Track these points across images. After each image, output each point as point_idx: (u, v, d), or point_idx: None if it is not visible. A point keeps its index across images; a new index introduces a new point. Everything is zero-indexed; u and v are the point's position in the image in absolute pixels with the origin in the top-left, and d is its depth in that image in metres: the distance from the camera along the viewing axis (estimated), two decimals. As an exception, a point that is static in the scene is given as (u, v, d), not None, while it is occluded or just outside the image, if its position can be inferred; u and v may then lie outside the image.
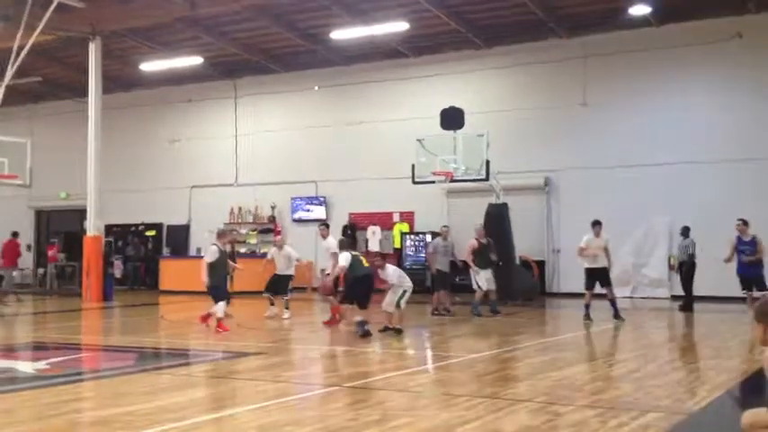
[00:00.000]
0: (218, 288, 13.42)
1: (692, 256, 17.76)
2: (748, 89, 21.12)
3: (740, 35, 20.93)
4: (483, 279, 16.42)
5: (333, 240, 14.92)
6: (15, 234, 22.18)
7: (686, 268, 17.85)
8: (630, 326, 15.32)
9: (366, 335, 12.20)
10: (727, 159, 20.91)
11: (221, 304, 13.28)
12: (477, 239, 16.63)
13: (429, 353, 11.89)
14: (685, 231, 18.05)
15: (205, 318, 13.82)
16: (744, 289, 15.72)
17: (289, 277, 16.19)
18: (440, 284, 16.94)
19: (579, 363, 10.49)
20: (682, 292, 18.27)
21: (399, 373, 9.64)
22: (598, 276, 15.24)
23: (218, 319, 13.20)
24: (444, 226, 18.06)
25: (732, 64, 21.28)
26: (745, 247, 15.71)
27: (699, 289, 18.21)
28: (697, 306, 17.81)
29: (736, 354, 10.92)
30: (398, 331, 12.87)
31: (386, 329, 12.92)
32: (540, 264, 22.89)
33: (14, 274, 21.79)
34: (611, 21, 21.87)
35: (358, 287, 12.61)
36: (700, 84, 21.90)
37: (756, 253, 15.55)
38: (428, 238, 24.16)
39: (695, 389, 8.19)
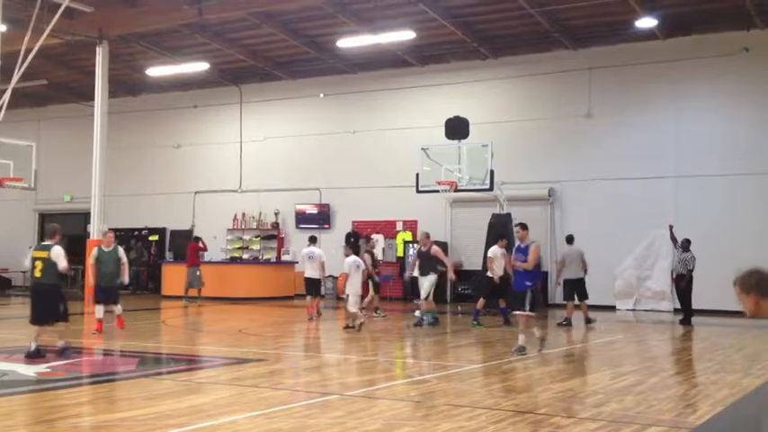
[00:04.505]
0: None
1: (690, 271, 17.64)
2: (754, 103, 21.07)
3: (747, 49, 20.88)
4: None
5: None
6: (197, 239, 23.86)
7: (684, 283, 17.74)
8: (633, 339, 15.27)
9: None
10: (732, 173, 20.84)
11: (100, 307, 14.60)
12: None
13: (431, 362, 11.87)
14: (685, 245, 17.89)
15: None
16: None
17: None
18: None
19: (581, 375, 10.47)
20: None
21: (401, 382, 9.63)
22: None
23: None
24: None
25: (738, 78, 21.24)
26: None
27: (699, 303, 18.15)
28: (698, 320, 17.74)
29: (739, 368, 10.88)
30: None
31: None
32: (543, 274, 22.81)
33: (197, 273, 22.70)
34: (618, 33, 21.86)
35: None
36: (705, 97, 21.87)
37: None
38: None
39: (697, 403, 8.17)
